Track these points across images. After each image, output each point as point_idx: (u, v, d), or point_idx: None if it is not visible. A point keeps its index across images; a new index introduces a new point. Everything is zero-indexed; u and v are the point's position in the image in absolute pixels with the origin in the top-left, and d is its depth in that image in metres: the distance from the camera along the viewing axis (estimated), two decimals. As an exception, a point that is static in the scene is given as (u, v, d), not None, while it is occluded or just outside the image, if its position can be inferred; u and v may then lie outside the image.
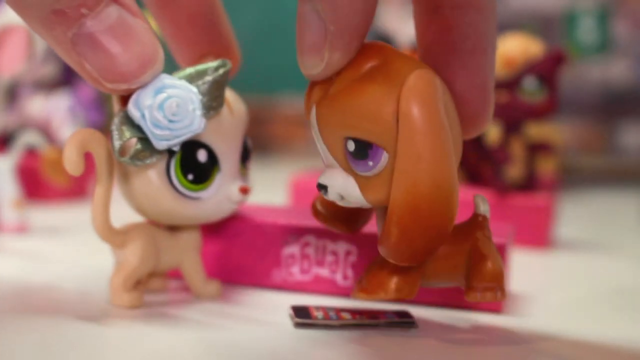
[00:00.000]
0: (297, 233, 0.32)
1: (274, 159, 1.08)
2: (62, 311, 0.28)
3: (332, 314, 0.28)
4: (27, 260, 0.37)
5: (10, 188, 0.44)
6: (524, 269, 0.39)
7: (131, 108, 0.26)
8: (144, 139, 0.26)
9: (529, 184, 0.49)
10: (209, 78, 0.27)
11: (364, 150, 0.23)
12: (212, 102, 0.27)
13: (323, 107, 0.24)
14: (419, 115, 0.22)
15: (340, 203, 0.25)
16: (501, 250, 0.30)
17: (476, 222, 0.26)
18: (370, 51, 0.24)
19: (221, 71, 0.27)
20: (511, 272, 0.35)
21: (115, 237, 0.28)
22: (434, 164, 0.22)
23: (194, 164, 0.28)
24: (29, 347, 0.24)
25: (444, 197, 0.23)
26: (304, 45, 0.23)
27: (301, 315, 0.28)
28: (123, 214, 0.29)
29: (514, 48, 0.58)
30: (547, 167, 0.61)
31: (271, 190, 0.61)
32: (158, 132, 0.26)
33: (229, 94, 0.29)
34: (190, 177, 0.28)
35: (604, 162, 1.00)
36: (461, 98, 0.25)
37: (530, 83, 0.47)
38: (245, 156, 0.30)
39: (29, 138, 0.46)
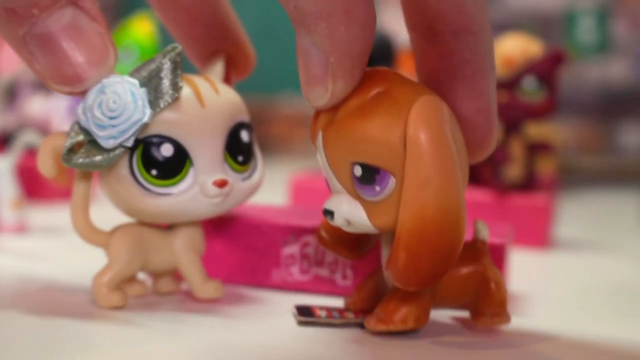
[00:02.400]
0: (296, 233, 0.32)
1: (274, 159, 1.08)
2: (62, 311, 0.28)
3: (335, 313, 0.28)
4: (26, 260, 0.37)
5: (10, 188, 0.44)
6: (523, 269, 0.39)
7: (78, 113, 0.26)
8: (94, 140, 0.26)
9: (528, 183, 0.49)
10: (152, 67, 0.26)
11: (371, 175, 0.23)
12: (158, 92, 0.26)
13: (329, 133, 0.24)
14: (426, 141, 0.22)
15: (347, 229, 0.25)
16: (500, 250, 0.30)
17: (479, 248, 0.27)
18: (375, 77, 0.24)
19: (167, 57, 0.27)
20: (511, 272, 0.35)
21: (97, 236, 0.28)
22: (441, 188, 0.22)
23: (157, 158, 0.27)
24: (28, 346, 0.24)
25: (452, 221, 0.23)
26: (307, 79, 0.23)
27: (304, 314, 0.28)
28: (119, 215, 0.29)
29: (514, 48, 0.58)
30: (546, 167, 0.60)
31: (271, 190, 0.60)
32: (102, 132, 0.25)
33: (205, 83, 0.28)
34: (154, 172, 0.27)
35: (603, 162, 1.00)
36: (466, 122, 0.25)
37: (529, 83, 0.47)
38: (235, 149, 0.29)
39: (28, 138, 0.46)
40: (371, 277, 0.28)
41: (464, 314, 0.30)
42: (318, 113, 0.25)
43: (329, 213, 0.25)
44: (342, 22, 0.22)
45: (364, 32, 0.22)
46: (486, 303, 0.26)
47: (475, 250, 0.27)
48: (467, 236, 0.25)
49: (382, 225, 0.24)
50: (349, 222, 0.24)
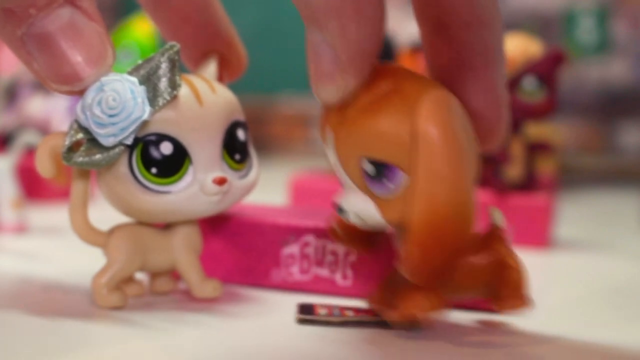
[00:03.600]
0: (296, 233, 0.32)
1: (274, 159, 1.08)
2: (61, 311, 0.28)
3: (335, 311, 0.28)
4: (26, 260, 0.37)
5: (10, 188, 0.44)
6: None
7: (77, 111, 0.26)
8: (94, 139, 0.26)
9: (528, 183, 0.49)
10: (150, 65, 0.26)
11: (381, 171, 0.23)
12: (157, 90, 0.26)
13: (340, 130, 0.24)
14: (435, 135, 0.22)
15: (359, 225, 0.25)
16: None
17: (497, 235, 0.27)
18: (384, 72, 0.24)
19: (165, 55, 0.27)
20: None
21: (95, 236, 0.28)
22: (452, 183, 0.23)
23: (156, 156, 0.27)
24: (27, 346, 0.24)
25: (463, 215, 0.23)
26: (317, 74, 0.23)
27: (304, 311, 0.28)
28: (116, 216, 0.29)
29: (514, 48, 0.58)
30: (546, 167, 0.61)
31: (271, 190, 0.61)
32: (102, 130, 0.25)
33: (202, 82, 0.28)
34: (154, 170, 0.27)
35: (603, 162, 1.00)
36: (476, 114, 0.25)
37: (529, 83, 0.47)
38: (233, 148, 0.29)
39: (28, 138, 0.46)
40: (392, 273, 0.28)
41: (464, 313, 0.30)
42: (328, 110, 0.25)
43: (341, 210, 0.25)
44: (353, 20, 0.22)
45: (374, 29, 0.22)
46: (507, 289, 0.27)
47: (492, 238, 0.27)
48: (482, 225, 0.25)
49: (394, 221, 0.24)
50: (360, 218, 0.25)
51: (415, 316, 0.25)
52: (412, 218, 0.23)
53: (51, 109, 0.58)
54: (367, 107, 0.23)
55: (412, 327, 0.28)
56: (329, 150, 0.25)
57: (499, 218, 0.27)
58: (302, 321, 0.27)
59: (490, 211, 0.27)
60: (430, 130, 0.22)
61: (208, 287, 0.29)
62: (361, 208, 0.24)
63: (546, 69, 0.47)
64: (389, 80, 0.24)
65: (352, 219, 0.25)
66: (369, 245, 0.28)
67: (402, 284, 0.26)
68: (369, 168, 0.24)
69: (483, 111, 0.25)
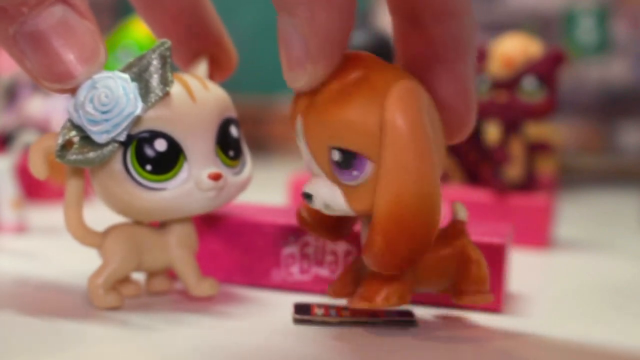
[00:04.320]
0: (296, 233, 0.32)
1: (273, 159, 1.08)
2: (60, 311, 0.28)
3: (332, 311, 0.28)
4: (26, 260, 0.37)
5: (10, 188, 0.44)
6: (523, 269, 0.39)
7: (70, 110, 0.26)
8: (87, 137, 0.26)
9: (528, 183, 0.49)
10: (142, 62, 0.26)
11: (349, 159, 0.23)
12: (149, 86, 0.26)
13: (308, 116, 0.24)
14: (403, 126, 0.23)
15: (326, 212, 0.25)
16: (500, 250, 0.30)
17: (459, 229, 0.27)
18: (354, 61, 0.24)
19: (156, 52, 0.27)
20: (510, 272, 0.35)
21: (90, 237, 0.28)
22: (418, 173, 0.23)
23: (151, 153, 0.27)
24: (26, 346, 0.24)
25: (428, 206, 0.23)
26: (287, 61, 0.23)
27: (301, 311, 0.28)
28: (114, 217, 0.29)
29: (514, 48, 0.58)
30: (546, 167, 0.61)
31: (271, 190, 0.61)
32: (95, 127, 0.25)
33: (194, 80, 0.28)
34: (148, 167, 0.27)
35: (603, 162, 1.00)
36: (445, 105, 0.25)
37: (529, 83, 0.47)
38: (226, 144, 0.29)
39: (28, 138, 0.46)
40: (354, 263, 0.28)
41: (462, 313, 0.30)
42: (297, 96, 0.25)
43: (308, 196, 0.25)
44: (323, 7, 0.22)
45: (344, 16, 0.22)
46: (468, 281, 0.27)
47: (454, 231, 0.27)
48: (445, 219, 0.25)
49: (360, 210, 0.24)
50: (327, 206, 0.25)
51: (382, 305, 0.25)
52: (377, 207, 0.23)
53: (51, 109, 0.58)
54: (337, 95, 0.23)
55: (407, 325, 0.28)
56: (298, 137, 0.25)
57: (462, 211, 0.27)
58: (298, 321, 0.27)
59: (453, 205, 0.27)
60: (398, 121, 0.23)
61: (204, 286, 0.29)
62: (328, 196, 0.24)
63: (546, 69, 0.47)
64: (358, 68, 0.24)
65: (319, 206, 0.25)
66: (336, 232, 0.28)
67: (367, 272, 0.26)
68: (337, 156, 0.24)
69: (452, 102, 0.25)
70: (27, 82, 0.58)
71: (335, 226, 0.28)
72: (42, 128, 0.58)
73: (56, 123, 0.58)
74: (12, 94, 0.58)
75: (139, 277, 0.31)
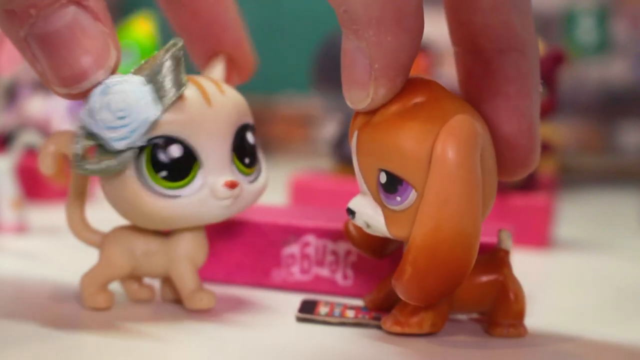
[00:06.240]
0: (296, 233, 0.32)
1: (274, 159, 1.08)
2: (61, 311, 0.28)
3: (337, 310, 0.28)
4: (26, 260, 0.37)
5: (10, 188, 0.44)
6: (523, 269, 0.39)
7: (84, 117, 0.25)
8: (102, 145, 0.25)
9: (528, 184, 0.49)
10: (154, 64, 0.26)
11: (394, 184, 0.23)
12: (162, 89, 0.25)
13: (363, 134, 0.24)
14: (452, 160, 0.22)
15: (366, 230, 0.25)
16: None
17: (501, 257, 0.27)
18: (418, 86, 0.24)
19: (168, 53, 0.26)
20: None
21: (90, 235, 0.28)
22: (459, 210, 0.22)
23: (165, 159, 0.26)
24: (26, 347, 0.24)
25: (464, 245, 0.23)
26: (349, 81, 0.23)
27: (305, 310, 0.28)
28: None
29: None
30: (546, 167, 0.60)
31: (271, 190, 0.60)
32: (114, 134, 0.25)
33: (210, 83, 0.27)
34: (163, 174, 0.26)
35: (603, 162, 1.00)
36: (506, 142, 0.25)
37: (529, 83, 0.47)
38: (242, 151, 0.28)
39: (28, 138, 0.46)
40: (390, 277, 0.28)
41: (463, 314, 0.30)
42: (357, 113, 0.25)
43: (351, 212, 0.25)
44: (391, 31, 0.21)
45: (411, 42, 0.22)
46: (503, 313, 0.26)
47: (497, 259, 0.27)
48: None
49: (398, 235, 0.24)
50: (368, 225, 0.25)
51: (414, 332, 0.25)
52: (413, 238, 0.23)
53: (51, 109, 0.58)
54: (394, 118, 0.23)
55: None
56: (353, 153, 0.25)
57: (508, 240, 0.27)
58: (300, 319, 0.27)
59: (500, 232, 0.27)
60: (447, 154, 0.22)
61: (198, 301, 0.27)
62: (370, 215, 0.24)
63: (546, 69, 0.47)
64: (420, 95, 0.23)
65: (360, 223, 0.25)
66: (379, 251, 0.28)
67: None
68: (384, 179, 0.23)
69: (515, 140, 0.25)
70: (27, 82, 0.58)
71: (381, 245, 0.28)
72: (42, 128, 0.58)
73: (56, 123, 0.58)
74: (12, 94, 0.58)
75: (153, 282, 0.30)
